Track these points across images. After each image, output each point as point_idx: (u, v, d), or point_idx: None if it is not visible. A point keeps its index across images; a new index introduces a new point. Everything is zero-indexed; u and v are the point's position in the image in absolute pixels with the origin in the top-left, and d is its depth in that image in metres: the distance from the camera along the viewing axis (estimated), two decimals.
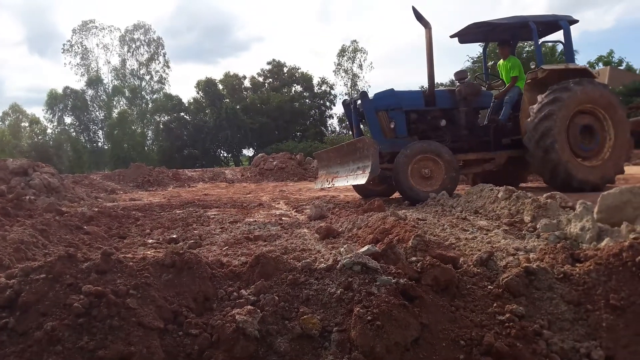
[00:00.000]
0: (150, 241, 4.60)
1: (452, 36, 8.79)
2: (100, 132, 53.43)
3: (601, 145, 7.48)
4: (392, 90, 7.90)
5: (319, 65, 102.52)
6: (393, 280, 1.95)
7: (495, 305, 1.93)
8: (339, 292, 1.95)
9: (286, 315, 1.91)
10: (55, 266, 1.96)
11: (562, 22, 8.05)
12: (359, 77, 52.89)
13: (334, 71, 54.03)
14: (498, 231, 3.92)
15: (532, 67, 8.10)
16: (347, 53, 52.55)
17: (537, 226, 3.84)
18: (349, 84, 53.10)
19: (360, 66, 52.76)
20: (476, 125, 8.23)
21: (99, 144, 53.25)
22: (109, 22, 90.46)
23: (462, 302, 1.97)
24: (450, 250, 2.71)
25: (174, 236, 4.74)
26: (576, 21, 8.34)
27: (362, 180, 6.67)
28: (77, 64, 53.38)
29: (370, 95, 7.90)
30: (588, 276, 2.05)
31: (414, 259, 2.18)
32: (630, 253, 2.05)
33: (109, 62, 55.44)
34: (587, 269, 2.09)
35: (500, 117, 8.14)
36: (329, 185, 7.99)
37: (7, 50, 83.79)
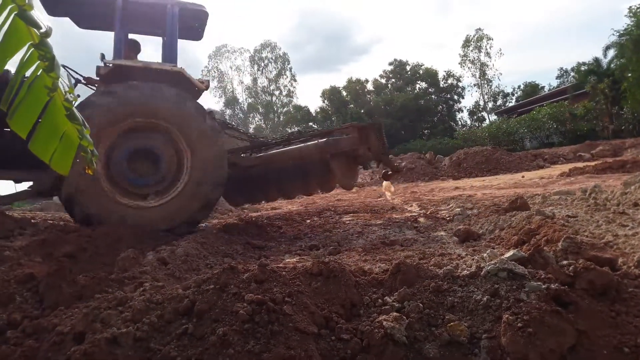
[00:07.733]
0: (293, 249, 4.89)
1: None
2: None
3: (174, 172, 5.56)
4: None
5: (441, 58, 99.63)
6: (543, 286, 1.88)
7: None
8: (485, 299, 1.93)
9: (432, 322, 1.94)
10: (221, 277, 2.22)
11: (169, 8, 5.74)
12: (487, 65, 50.56)
13: (459, 63, 52.32)
14: None
15: (102, 60, 5.76)
16: (472, 42, 50.49)
17: None
18: (477, 75, 51.02)
19: (488, 54, 50.37)
20: None
21: None
22: (239, 44, 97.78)
23: (624, 307, 1.83)
24: (607, 250, 2.50)
25: (315, 243, 4.99)
26: (201, 8, 6.05)
27: None
28: (215, 87, 58.98)
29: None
30: None
31: (565, 262, 2.07)
32: None
33: (242, 82, 60.35)
34: None
35: None
36: None
37: None
